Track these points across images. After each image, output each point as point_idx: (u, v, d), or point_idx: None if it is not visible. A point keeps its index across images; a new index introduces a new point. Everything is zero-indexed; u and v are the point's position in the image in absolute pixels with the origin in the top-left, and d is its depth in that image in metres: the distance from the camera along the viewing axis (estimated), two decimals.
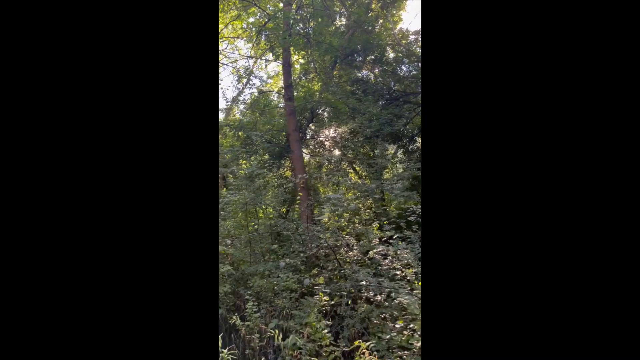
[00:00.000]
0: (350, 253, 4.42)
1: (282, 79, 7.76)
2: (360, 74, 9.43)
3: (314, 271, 4.43)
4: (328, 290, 3.69)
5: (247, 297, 3.83)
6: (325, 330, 3.07)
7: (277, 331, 3.18)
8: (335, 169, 8.34)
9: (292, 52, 7.35)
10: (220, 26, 12.21)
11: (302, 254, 4.63)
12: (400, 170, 7.76)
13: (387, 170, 8.47)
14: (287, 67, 7.41)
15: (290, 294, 3.92)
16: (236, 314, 3.73)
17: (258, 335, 3.37)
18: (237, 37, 11.57)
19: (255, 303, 3.83)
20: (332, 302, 3.55)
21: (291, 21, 7.31)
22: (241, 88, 10.17)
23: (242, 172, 5.84)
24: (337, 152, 8.49)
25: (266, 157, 7.09)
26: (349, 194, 6.98)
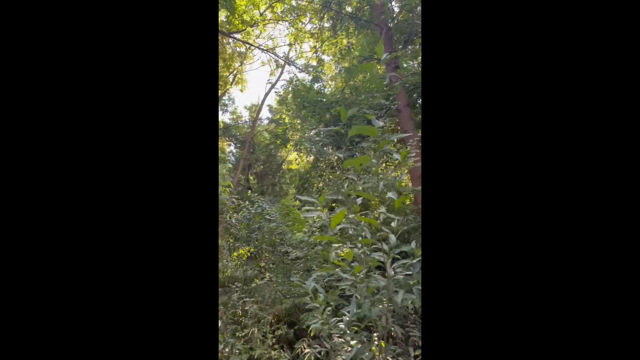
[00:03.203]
0: None
1: (384, 45, 6.47)
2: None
3: None
4: None
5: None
6: None
7: None
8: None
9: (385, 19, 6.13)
10: (262, 8, 11.36)
11: None
12: None
13: None
14: (387, 31, 6.19)
15: None
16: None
17: None
18: (297, 17, 10.64)
19: None
20: None
21: None
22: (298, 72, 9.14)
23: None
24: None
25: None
26: None
